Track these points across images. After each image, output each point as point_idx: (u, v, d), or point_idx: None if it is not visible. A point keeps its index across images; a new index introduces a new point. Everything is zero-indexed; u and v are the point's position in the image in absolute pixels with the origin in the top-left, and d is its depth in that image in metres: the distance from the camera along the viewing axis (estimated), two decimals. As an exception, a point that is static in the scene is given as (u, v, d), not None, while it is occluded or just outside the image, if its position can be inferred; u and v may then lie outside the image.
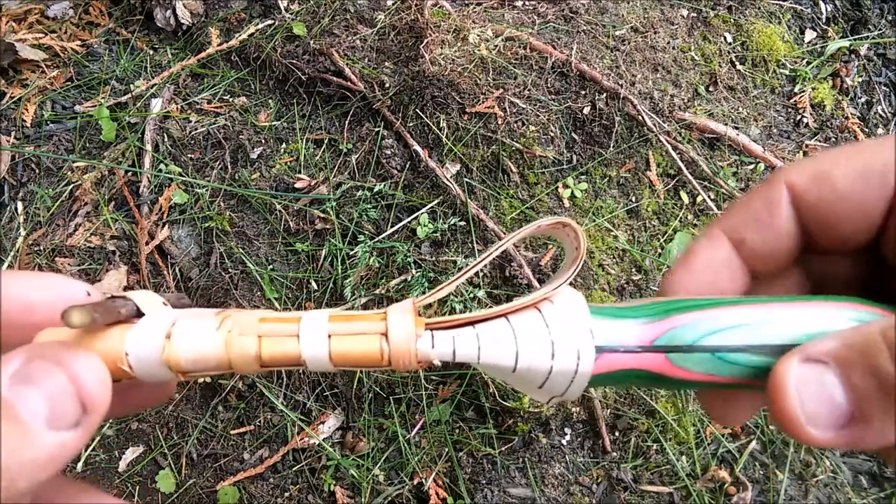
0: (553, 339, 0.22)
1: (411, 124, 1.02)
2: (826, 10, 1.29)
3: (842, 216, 0.24)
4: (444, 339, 0.23)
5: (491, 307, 0.24)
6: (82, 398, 0.19)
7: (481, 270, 0.94)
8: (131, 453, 0.90)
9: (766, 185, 0.26)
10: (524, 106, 1.02)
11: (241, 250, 0.97)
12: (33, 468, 0.18)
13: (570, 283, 0.25)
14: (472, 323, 0.23)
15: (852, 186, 0.23)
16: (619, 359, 0.23)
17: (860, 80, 1.25)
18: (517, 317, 0.23)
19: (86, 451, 0.89)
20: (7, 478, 0.17)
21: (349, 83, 1.04)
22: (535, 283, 0.92)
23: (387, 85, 1.04)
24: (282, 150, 1.05)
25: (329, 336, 0.22)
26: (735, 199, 0.26)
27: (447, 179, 0.97)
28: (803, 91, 1.19)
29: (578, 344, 0.22)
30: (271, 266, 0.97)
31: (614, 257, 1.00)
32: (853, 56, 1.26)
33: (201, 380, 0.92)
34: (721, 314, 0.23)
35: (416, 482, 0.87)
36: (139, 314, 0.22)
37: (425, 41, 1.03)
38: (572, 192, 1.02)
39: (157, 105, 1.07)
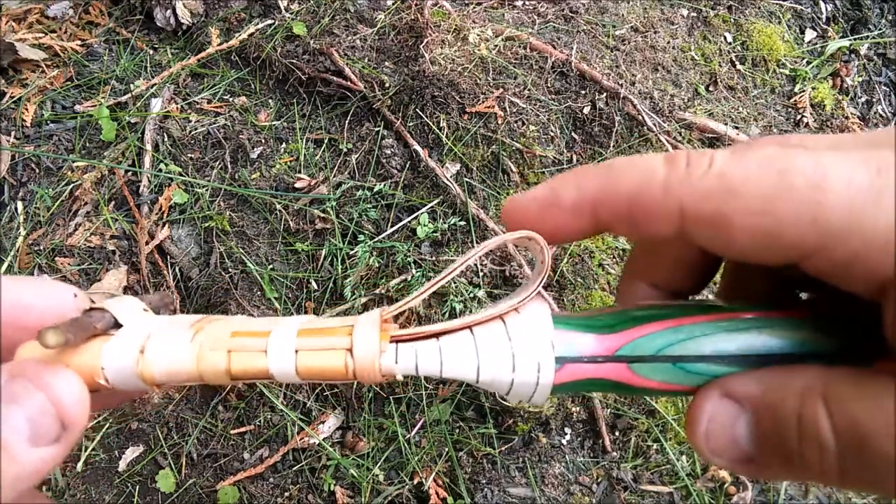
0: (514, 353, 0.23)
1: (411, 124, 1.02)
2: (826, 9, 1.29)
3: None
4: (407, 354, 0.24)
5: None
6: (62, 417, 0.21)
7: (481, 270, 0.94)
8: (131, 453, 0.90)
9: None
10: (524, 106, 1.02)
11: (241, 250, 0.97)
12: (17, 480, 0.20)
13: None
14: (436, 335, 0.24)
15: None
16: (581, 369, 0.23)
17: (860, 79, 1.25)
18: (481, 329, 0.24)
19: (86, 450, 0.89)
20: None
21: (349, 83, 1.04)
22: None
23: (387, 85, 1.04)
24: (282, 150, 1.05)
25: (296, 351, 0.23)
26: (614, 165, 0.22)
27: (447, 179, 0.97)
28: (803, 91, 1.19)
29: (539, 357, 0.23)
30: (271, 266, 0.97)
31: (614, 257, 1.00)
32: (853, 56, 1.26)
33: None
34: (682, 323, 0.23)
35: (416, 482, 0.87)
36: (118, 324, 0.23)
37: (425, 41, 1.03)
38: (572, 192, 1.02)
39: (157, 105, 1.07)
